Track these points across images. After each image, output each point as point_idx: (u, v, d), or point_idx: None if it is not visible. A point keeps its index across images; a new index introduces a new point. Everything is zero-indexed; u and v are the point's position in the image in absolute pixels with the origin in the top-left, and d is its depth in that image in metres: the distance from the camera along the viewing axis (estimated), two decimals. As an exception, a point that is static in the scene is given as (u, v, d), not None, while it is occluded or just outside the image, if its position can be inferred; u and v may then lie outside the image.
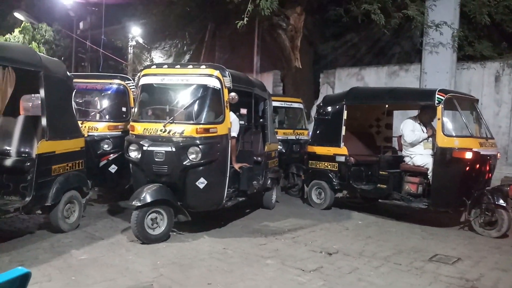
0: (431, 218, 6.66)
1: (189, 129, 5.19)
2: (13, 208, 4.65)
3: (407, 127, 6.64)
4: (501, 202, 5.81)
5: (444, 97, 6.09)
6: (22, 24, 17.20)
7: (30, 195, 4.77)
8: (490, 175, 6.39)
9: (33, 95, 6.99)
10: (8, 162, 5.04)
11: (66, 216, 5.32)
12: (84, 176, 5.64)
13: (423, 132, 6.57)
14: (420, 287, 3.99)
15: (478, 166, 6.03)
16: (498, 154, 6.61)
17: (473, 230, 6.07)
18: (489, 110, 9.38)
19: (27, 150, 5.26)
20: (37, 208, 5.07)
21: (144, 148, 5.17)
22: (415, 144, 6.54)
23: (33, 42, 16.58)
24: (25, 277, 1.54)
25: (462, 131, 6.33)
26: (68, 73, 5.69)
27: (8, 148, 5.30)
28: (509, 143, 9.28)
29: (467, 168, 5.95)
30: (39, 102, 5.10)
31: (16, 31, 16.91)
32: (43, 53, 13.73)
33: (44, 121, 4.95)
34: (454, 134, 6.11)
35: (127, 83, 7.14)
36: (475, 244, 5.53)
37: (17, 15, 17.74)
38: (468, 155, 5.84)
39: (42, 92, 4.94)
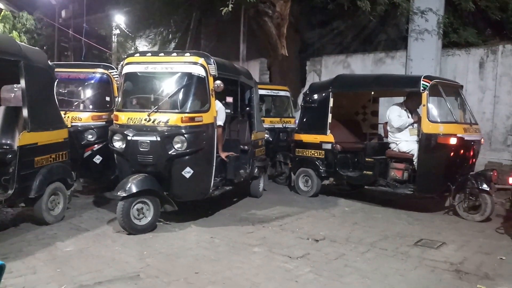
0: (417, 204, 6.74)
1: (174, 118, 5.13)
2: (-5, 201, 4.57)
3: (394, 113, 6.69)
4: (485, 186, 5.91)
5: (429, 83, 6.13)
6: (2, 13, 16.76)
7: (13, 187, 4.68)
8: (474, 160, 6.49)
9: (14, 85, 6.85)
10: (-11, 154, 4.93)
11: (51, 208, 5.26)
12: (68, 168, 5.56)
13: (409, 118, 6.63)
14: (405, 271, 4.04)
15: (462, 151, 6.11)
16: (482, 140, 6.72)
17: (457, 214, 6.17)
18: (474, 96, 9.46)
19: (8, 142, 5.16)
20: (21, 200, 5.00)
21: (129, 138, 5.10)
22: (402, 129, 6.60)
23: (13, 31, 16.21)
24: (0, 269, 1.51)
25: (447, 117, 6.38)
26: (49, 62, 5.56)
27: (-12, 140, 5.18)
28: (493, 128, 9.40)
29: (452, 154, 6.02)
30: (20, 92, 4.98)
31: (-4, 20, 16.51)
32: (25, 43, 13.43)
33: (25, 112, 4.84)
34: (439, 120, 6.17)
35: (110, 72, 7.04)
36: (459, 229, 5.62)
37: (-4, 3, 17.29)
38: (453, 141, 5.92)
39: (22, 82, 4.84)
